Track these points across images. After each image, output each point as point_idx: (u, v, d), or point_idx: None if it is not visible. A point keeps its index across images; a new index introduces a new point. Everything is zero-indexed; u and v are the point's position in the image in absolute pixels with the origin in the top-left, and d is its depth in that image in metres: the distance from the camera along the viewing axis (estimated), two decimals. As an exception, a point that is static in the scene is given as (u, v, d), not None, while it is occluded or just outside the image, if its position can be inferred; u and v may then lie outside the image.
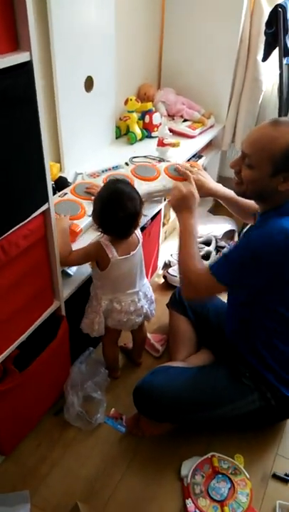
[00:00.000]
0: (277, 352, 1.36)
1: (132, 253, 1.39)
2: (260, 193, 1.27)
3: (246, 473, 1.39)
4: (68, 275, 1.48)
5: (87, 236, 1.46)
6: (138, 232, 1.44)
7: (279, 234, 1.17)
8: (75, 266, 1.44)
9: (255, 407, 1.38)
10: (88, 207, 1.49)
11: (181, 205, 1.44)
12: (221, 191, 1.63)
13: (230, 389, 1.39)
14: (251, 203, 1.46)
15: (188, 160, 2.00)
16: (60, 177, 1.66)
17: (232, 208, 1.65)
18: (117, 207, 1.28)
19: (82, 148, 1.88)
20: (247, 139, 1.24)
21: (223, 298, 1.67)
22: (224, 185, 1.66)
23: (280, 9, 1.82)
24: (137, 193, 1.34)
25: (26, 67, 0.95)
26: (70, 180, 1.71)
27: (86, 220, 1.45)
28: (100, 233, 1.38)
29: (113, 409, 1.57)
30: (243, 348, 1.42)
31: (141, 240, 1.45)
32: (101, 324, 1.47)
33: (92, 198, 1.53)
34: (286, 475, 1.42)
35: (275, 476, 1.42)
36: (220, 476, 1.38)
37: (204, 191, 1.62)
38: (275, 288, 1.28)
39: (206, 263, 1.41)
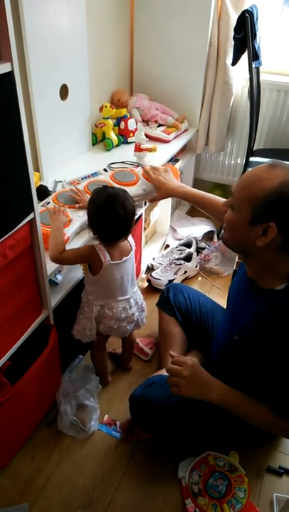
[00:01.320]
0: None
1: (124, 258, 1.40)
2: (240, 244, 1.10)
3: (242, 469, 1.41)
4: (55, 283, 1.47)
5: (75, 243, 1.46)
6: (130, 239, 1.45)
7: None
8: (65, 265, 1.44)
9: (248, 424, 1.38)
10: (73, 215, 1.49)
11: (198, 388, 1.22)
12: (181, 191, 1.63)
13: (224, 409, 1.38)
14: (217, 200, 1.47)
15: (165, 164, 2.03)
16: (41, 185, 1.65)
17: (200, 207, 1.64)
18: (117, 207, 1.29)
19: (60, 156, 1.88)
20: (239, 178, 1.11)
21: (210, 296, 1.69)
22: (200, 188, 1.69)
23: (247, 15, 1.87)
24: (129, 194, 1.36)
25: (9, 77, 0.95)
26: (50, 188, 1.70)
27: (72, 228, 1.45)
28: (90, 238, 1.38)
29: (106, 415, 1.57)
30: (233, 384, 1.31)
31: (134, 247, 1.46)
32: (93, 330, 1.47)
33: (77, 205, 1.54)
34: (280, 468, 1.45)
35: (269, 470, 1.45)
36: (217, 474, 1.40)
37: (163, 191, 1.65)
38: None
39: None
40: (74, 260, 1.38)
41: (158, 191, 1.67)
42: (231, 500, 1.33)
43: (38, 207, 1.22)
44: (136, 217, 1.39)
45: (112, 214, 1.30)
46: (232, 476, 1.39)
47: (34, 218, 1.19)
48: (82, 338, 1.49)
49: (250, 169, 1.10)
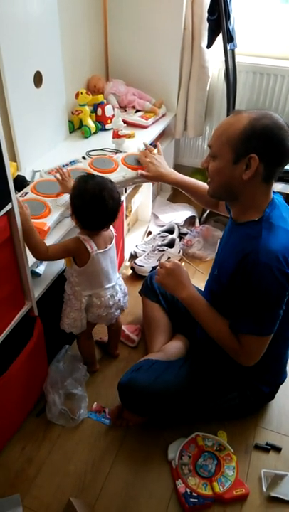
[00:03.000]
0: (260, 362, 1.35)
1: (108, 247, 1.40)
2: (227, 186, 1.21)
3: (230, 447, 1.44)
4: (37, 275, 1.46)
5: (56, 232, 1.45)
6: (111, 226, 1.44)
7: (277, 266, 1.13)
8: (54, 260, 1.42)
9: (235, 403, 1.44)
10: (52, 204, 1.47)
11: (172, 283, 1.39)
12: (172, 177, 1.67)
13: (211, 388, 1.44)
14: (204, 186, 1.49)
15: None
16: (18, 176, 1.63)
17: (188, 193, 1.68)
18: (106, 196, 1.28)
19: (37, 145, 1.85)
20: (212, 132, 1.24)
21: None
22: (180, 173, 1.69)
23: (220, -4, 1.85)
24: (113, 182, 1.35)
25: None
26: (28, 178, 1.68)
27: (53, 218, 1.43)
28: (72, 227, 1.37)
29: (95, 403, 1.58)
30: (218, 354, 1.40)
31: (115, 234, 1.45)
32: (83, 320, 1.47)
33: (60, 189, 1.50)
34: (267, 444, 1.49)
35: (257, 447, 1.48)
36: (206, 454, 1.43)
37: (155, 174, 1.67)
38: None
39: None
40: (62, 255, 1.37)
41: (149, 172, 1.69)
42: (221, 478, 1.36)
43: (16, 197, 1.20)
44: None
45: (101, 203, 1.28)
46: (221, 455, 1.42)
47: (12, 209, 1.17)
48: (74, 330, 1.49)
49: None
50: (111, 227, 1.44)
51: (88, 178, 1.32)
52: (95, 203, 1.28)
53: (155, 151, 1.78)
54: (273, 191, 1.26)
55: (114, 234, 1.46)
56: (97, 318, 1.49)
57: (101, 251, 1.37)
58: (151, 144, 2.15)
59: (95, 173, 1.66)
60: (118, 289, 1.50)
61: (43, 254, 1.32)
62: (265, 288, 1.16)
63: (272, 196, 1.24)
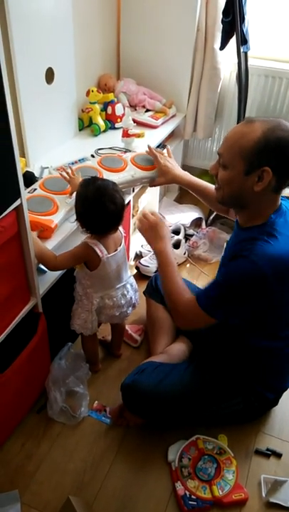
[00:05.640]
0: (264, 367, 1.39)
1: (118, 248, 1.40)
2: (237, 196, 1.20)
3: (230, 451, 1.43)
4: (43, 271, 1.46)
5: (63, 229, 1.45)
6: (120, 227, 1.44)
7: (265, 265, 1.12)
8: (64, 269, 1.41)
9: (238, 409, 1.44)
10: (60, 201, 1.47)
11: (152, 235, 1.41)
12: (186, 179, 1.66)
13: (215, 392, 1.43)
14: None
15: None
16: (27, 171, 1.63)
17: (199, 196, 1.68)
18: (107, 201, 1.26)
19: (46, 141, 1.85)
20: (223, 140, 1.20)
21: (198, 284, 1.70)
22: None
23: (235, -3, 1.85)
24: (118, 185, 1.34)
25: (-7, 59, 0.93)
26: (36, 174, 1.68)
27: (60, 215, 1.43)
28: (76, 227, 1.36)
29: (96, 401, 1.58)
30: (223, 355, 1.43)
31: (124, 234, 1.45)
32: (94, 322, 1.47)
33: (68, 189, 1.50)
34: (267, 450, 1.48)
35: (257, 452, 1.47)
36: (206, 457, 1.42)
37: (169, 178, 1.67)
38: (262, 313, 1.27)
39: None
40: (72, 263, 1.37)
41: (163, 176, 1.68)
42: (220, 482, 1.36)
43: (25, 193, 1.20)
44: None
45: (101, 209, 1.27)
46: (221, 458, 1.42)
47: (21, 205, 1.17)
48: (84, 331, 1.49)
49: (231, 128, 1.21)
50: (120, 227, 1.43)
51: (89, 183, 1.31)
52: (95, 209, 1.27)
53: (164, 151, 1.78)
54: (282, 197, 1.25)
55: (124, 234, 1.45)
56: (110, 319, 1.49)
57: (111, 254, 1.37)
58: (160, 145, 2.15)
59: (103, 171, 1.66)
60: (129, 287, 1.50)
61: (51, 262, 1.32)
62: (236, 275, 1.17)
63: (280, 203, 1.23)
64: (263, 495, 1.36)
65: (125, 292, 1.47)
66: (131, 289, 1.51)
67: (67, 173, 1.51)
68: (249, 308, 1.22)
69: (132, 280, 1.54)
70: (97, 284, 1.41)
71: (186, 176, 1.67)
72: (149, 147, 1.74)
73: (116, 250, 1.39)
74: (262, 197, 1.18)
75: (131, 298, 1.51)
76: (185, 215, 2.44)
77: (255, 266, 1.13)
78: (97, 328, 1.50)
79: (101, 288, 1.42)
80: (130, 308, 1.54)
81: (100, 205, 1.27)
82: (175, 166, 1.69)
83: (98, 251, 1.33)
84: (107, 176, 1.62)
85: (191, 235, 2.35)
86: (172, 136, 2.42)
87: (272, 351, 1.36)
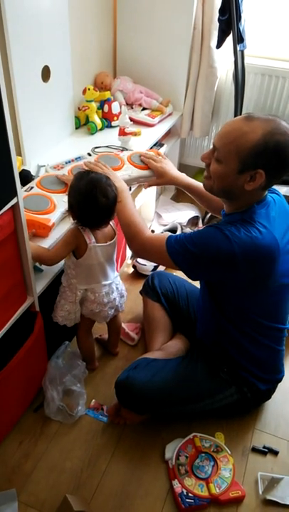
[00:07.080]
0: (249, 355, 1.41)
1: (109, 242, 1.39)
2: (227, 190, 1.24)
3: (227, 449, 1.44)
4: (40, 270, 1.46)
5: (60, 228, 1.45)
6: (113, 223, 1.43)
7: (236, 243, 1.17)
8: (61, 261, 1.41)
9: (232, 400, 1.44)
10: (57, 200, 1.47)
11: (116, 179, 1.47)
12: (183, 180, 1.66)
13: (209, 384, 1.44)
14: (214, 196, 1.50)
15: (151, 148, 2.01)
16: (23, 170, 1.62)
17: (196, 197, 1.67)
18: (99, 193, 1.26)
19: (43, 139, 1.84)
20: (218, 132, 1.21)
21: (196, 284, 1.70)
22: (184, 173, 1.68)
23: (232, -4, 1.85)
24: (111, 180, 1.34)
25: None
26: (33, 173, 1.67)
27: (57, 214, 1.43)
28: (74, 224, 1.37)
29: (93, 400, 1.58)
30: (215, 349, 1.46)
31: (117, 232, 1.44)
32: (77, 313, 1.47)
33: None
34: (264, 447, 1.48)
35: (254, 450, 1.48)
36: (203, 454, 1.42)
37: (167, 179, 1.66)
38: (242, 293, 1.30)
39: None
40: (65, 251, 1.36)
41: (160, 178, 1.67)
42: (217, 479, 1.36)
43: (22, 192, 1.20)
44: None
45: (93, 202, 1.27)
46: (218, 456, 1.42)
47: (17, 203, 1.17)
48: (67, 322, 1.48)
49: (228, 121, 1.22)
50: (113, 223, 1.43)
51: (83, 176, 1.31)
52: (86, 201, 1.27)
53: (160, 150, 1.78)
54: (278, 192, 1.26)
55: (117, 232, 1.45)
56: (90, 314, 1.49)
57: (99, 244, 1.37)
58: (156, 143, 2.14)
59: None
60: (114, 288, 1.49)
61: (45, 255, 1.32)
62: (210, 243, 1.20)
63: (266, 194, 1.26)
64: (260, 492, 1.36)
65: (110, 292, 1.46)
66: (116, 292, 1.50)
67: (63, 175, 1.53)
68: (208, 274, 1.31)
69: (119, 282, 1.53)
70: (81, 274, 1.40)
71: (183, 177, 1.67)
72: (142, 156, 1.74)
73: (105, 243, 1.39)
74: (250, 193, 1.21)
75: (115, 299, 1.49)
76: (182, 214, 2.45)
77: (228, 240, 1.17)
78: (79, 319, 1.49)
79: (85, 280, 1.42)
80: (112, 310, 1.52)
81: (91, 198, 1.27)
82: (171, 168, 1.69)
83: (86, 237, 1.34)
84: (104, 174, 1.61)
85: (188, 234, 2.35)
86: (169, 134, 2.42)
87: (250, 339, 1.38)
